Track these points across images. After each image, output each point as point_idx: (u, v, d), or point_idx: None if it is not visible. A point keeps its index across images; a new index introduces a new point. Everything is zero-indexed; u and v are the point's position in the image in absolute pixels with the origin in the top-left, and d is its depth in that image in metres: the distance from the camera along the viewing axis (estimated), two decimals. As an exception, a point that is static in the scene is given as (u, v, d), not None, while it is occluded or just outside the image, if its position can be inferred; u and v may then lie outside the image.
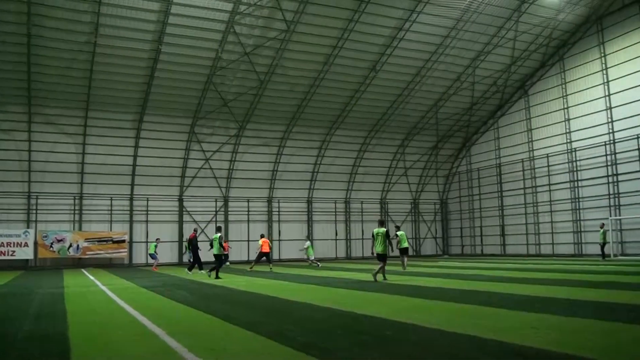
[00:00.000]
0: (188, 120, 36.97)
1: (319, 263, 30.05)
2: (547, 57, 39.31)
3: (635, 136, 33.11)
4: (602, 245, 30.03)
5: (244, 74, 34.90)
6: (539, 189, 39.77)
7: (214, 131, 38.13)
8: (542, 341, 6.51)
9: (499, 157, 43.28)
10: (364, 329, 7.99)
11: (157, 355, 6.30)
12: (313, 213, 42.76)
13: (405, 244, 24.58)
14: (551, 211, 38.72)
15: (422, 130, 43.73)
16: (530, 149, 40.48)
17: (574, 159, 37.08)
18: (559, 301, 10.75)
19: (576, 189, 36.88)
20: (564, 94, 38.08)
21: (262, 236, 27.48)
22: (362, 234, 44.39)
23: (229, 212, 39.85)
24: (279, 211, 41.62)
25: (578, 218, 36.73)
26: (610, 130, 34.69)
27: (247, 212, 40.48)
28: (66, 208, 35.78)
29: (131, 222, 37.08)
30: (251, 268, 26.63)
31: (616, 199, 34.22)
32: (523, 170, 41.01)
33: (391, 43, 34.89)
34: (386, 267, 17.81)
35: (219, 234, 21.53)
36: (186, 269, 25.61)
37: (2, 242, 32.92)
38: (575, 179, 36.93)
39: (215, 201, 39.64)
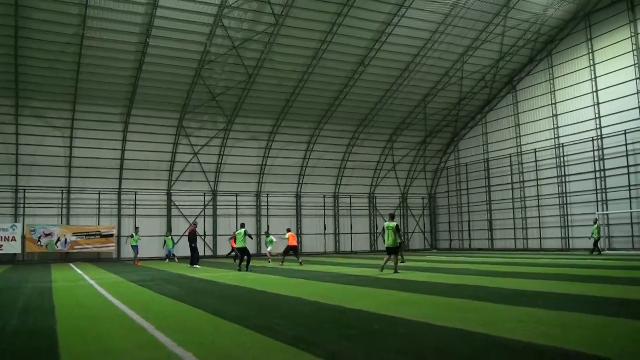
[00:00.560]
0: (176, 114, 36.81)
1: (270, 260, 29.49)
2: (535, 52, 39.50)
3: (623, 132, 33.37)
4: (597, 240, 30.07)
5: (232, 68, 34.79)
6: (526, 184, 40.01)
7: (202, 125, 38.01)
8: (529, 334, 6.56)
9: (486, 152, 43.48)
10: (352, 322, 8.02)
11: (146, 349, 6.29)
12: (302, 207, 42.79)
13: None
14: (539, 206, 38.98)
15: (410, 125, 43.82)
16: (518, 144, 40.70)
17: (561, 154, 37.31)
18: (547, 295, 10.84)
19: (564, 184, 37.14)
20: (552, 90, 38.30)
21: (288, 230, 27.42)
22: (351, 228, 44.49)
23: (218, 206, 39.77)
24: (267, 205, 41.60)
25: (565, 213, 37.00)
26: (598, 126, 34.93)
27: (235, 206, 40.41)
28: (54, 202, 35.54)
29: (119, 216, 36.91)
30: (282, 263, 25.73)
31: (603, 194, 34.50)
32: (511, 165, 41.24)
33: (380, 38, 34.91)
34: (375, 262, 17.84)
35: (242, 229, 22.26)
36: (188, 264, 25.45)
37: (-10, 237, 32.66)
38: (563, 174, 37.18)
39: (204, 195, 39.54)
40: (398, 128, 44.07)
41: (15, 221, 33.99)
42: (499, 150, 42.41)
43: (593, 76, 35.42)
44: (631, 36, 33.27)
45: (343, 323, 8.00)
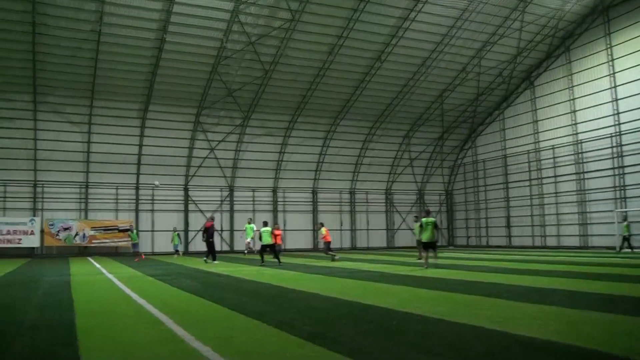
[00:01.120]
0: (193, 110, 37.01)
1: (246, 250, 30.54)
2: (553, 48, 39.13)
3: (642, 128, 33.02)
4: (627, 238, 29.76)
5: (248, 64, 34.90)
6: (544, 181, 39.69)
7: (219, 121, 38.17)
8: (546, 332, 6.54)
9: (504, 148, 43.19)
10: (369, 318, 8.04)
11: (164, 343, 6.36)
12: (318, 203, 42.82)
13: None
14: (557, 203, 38.67)
15: (427, 121, 43.64)
16: (536, 140, 40.38)
17: (579, 151, 36.97)
18: (564, 293, 10.77)
19: (582, 181, 36.80)
20: (570, 86, 37.92)
21: (322, 225, 27.60)
22: (367, 224, 44.45)
23: (234, 202, 39.93)
24: (284, 201, 41.68)
25: (584, 210, 36.68)
26: (617, 122, 34.56)
27: (252, 202, 40.55)
28: (72, 197, 35.97)
29: (137, 211, 37.23)
30: (334, 259, 24.98)
31: (622, 191, 34.14)
32: (529, 162, 40.94)
33: (396, 33, 34.80)
34: (391, 259, 17.85)
35: (267, 228, 22.63)
36: (204, 258, 25.36)
37: (9, 230, 33.23)
38: (581, 170, 36.84)
39: (221, 191, 39.72)
40: (415, 124, 43.91)
41: (34, 215, 34.42)
42: (516, 146, 42.11)
43: (612, 72, 35.02)
44: (652, 31, 32.92)
45: (361, 319, 8.02)
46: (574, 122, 37.45)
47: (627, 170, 33.94)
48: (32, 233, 33.72)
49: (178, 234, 34.49)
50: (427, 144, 45.84)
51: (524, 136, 41.53)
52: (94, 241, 35.22)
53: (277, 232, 23.31)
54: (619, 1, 34.90)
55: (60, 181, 35.51)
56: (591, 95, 36.37)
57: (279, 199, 41.51)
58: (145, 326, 7.66)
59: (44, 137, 34.72)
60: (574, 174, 37.33)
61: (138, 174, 37.26)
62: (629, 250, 29.30)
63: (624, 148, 34.08)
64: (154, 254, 35.32)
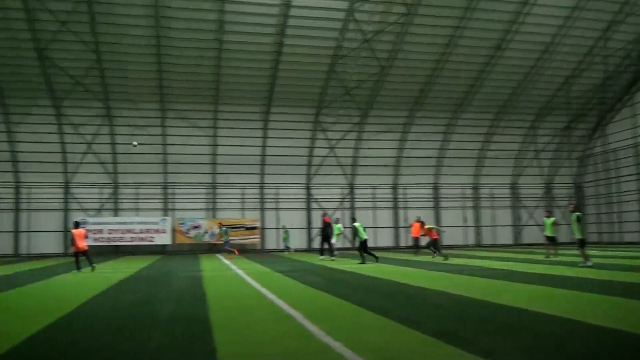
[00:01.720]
0: (312, 110, 37.59)
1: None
2: (692, 23, 35.84)
3: None
4: None
5: (365, 61, 34.91)
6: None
7: (337, 120, 38.45)
8: None
9: (636, 136, 40.08)
10: (498, 317, 7.76)
11: (296, 338, 6.45)
12: (440, 199, 41.99)
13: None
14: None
15: (553, 110, 41.47)
16: (676, 126, 37.20)
17: None
18: None
19: None
20: None
21: (418, 220, 27.27)
22: (493, 220, 42.92)
23: (355, 199, 40.10)
24: (405, 198, 41.27)
25: None
26: None
27: (372, 199, 40.53)
28: (200, 197, 37.86)
29: (262, 209, 38.43)
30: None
31: None
32: (667, 150, 37.80)
33: (516, 19, 33.37)
34: (519, 256, 17.16)
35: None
36: (332, 258, 24.50)
37: (142, 229, 35.65)
38: None
39: (342, 189, 40.04)
40: (539, 114, 41.87)
41: (166, 215, 36.66)
42: (652, 133, 39.03)
43: None
44: None
45: (490, 318, 7.75)
46: None
47: None
48: (163, 231, 35.90)
49: (287, 231, 35.20)
50: (553, 135, 43.52)
51: (661, 122, 38.41)
52: (221, 239, 36.68)
53: (425, 227, 22.91)
54: None
55: (189, 183, 37.51)
56: None
57: (399, 196, 41.17)
58: (276, 321, 7.81)
59: (172, 142, 36.79)
60: None
61: (262, 174, 38.45)
62: None
63: None
64: (278, 250, 36.20)
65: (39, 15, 30.14)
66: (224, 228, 31.20)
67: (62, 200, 36.24)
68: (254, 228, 37.42)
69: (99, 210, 36.75)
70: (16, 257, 34.05)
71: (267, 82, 35.35)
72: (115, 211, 36.83)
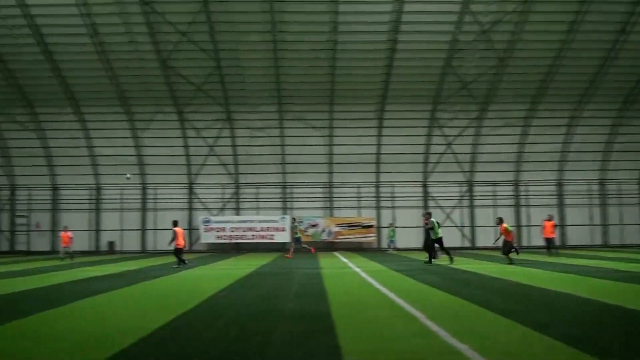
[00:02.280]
0: (428, 107, 36.96)
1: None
2: None
3: None
4: None
5: (482, 54, 33.91)
6: None
7: (454, 115, 37.54)
8: None
9: None
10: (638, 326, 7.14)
11: (420, 337, 6.28)
12: (564, 197, 39.79)
13: None
14: None
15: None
16: None
17: None
18: None
19: None
20: None
21: (549, 218, 26.04)
22: (620, 219, 40.03)
23: (474, 197, 38.96)
24: (526, 195, 39.52)
25: None
26: None
27: (492, 197, 39.13)
28: (317, 196, 38.46)
29: (378, 208, 38.37)
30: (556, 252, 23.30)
31: None
32: None
33: (646, 0, 31.08)
34: (621, 255, 15.89)
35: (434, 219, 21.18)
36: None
37: (262, 227, 36.78)
38: None
39: (460, 186, 39.06)
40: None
41: (284, 214, 37.57)
42: None
43: None
44: None
45: (629, 325, 7.15)
46: None
47: None
48: (282, 229, 36.82)
49: (394, 230, 34.84)
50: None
51: None
52: (339, 237, 37.14)
53: (503, 226, 20.85)
54: None
55: (306, 182, 38.19)
56: None
57: (520, 193, 39.44)
58: (399, 319, 7.68)
59: (289, 142, 37.63)
60: None
61: (377, 172, 38.36)
62: None
63: None
64: (397, 249, 35.87)
65: (160, 27, 32.03)
66: (295, 223, 31.42)
67: (186, 200, 38.19)
68: (370, 227, 37.46)
69: (221, 209, 38.38)
70: (143, 253, 36.26)
71: (382, 80, 35.24)
72: (237, 210, 38.32)
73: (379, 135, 37.68)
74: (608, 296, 9.90)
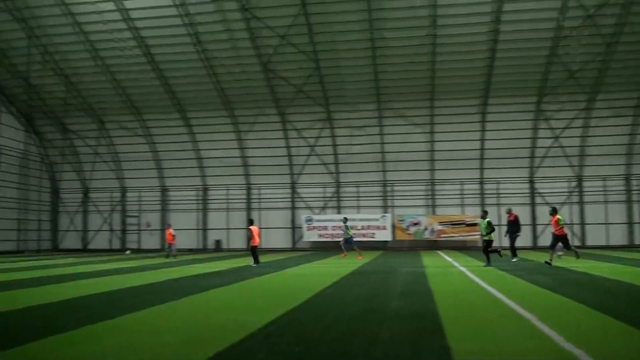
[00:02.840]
0: (532, 98, 35.73)
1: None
2: None
3: None
4: None
5: (589, 40, 32.22)
6: None
7: (561, 107, 35.98)
8: None
9: None
10: None
11: (531, 340, 6.11)
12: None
13: None
14: None
15: None
16: None
17: None
18: None
19: None
20: None
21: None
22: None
23: (584, 193, 37.14)
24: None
25: None
26: None
27: (604, 192, 37.09)
28: (419, 194, 38.14)
29: (482, 205, 37.33)
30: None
31: None
32: None
33: None
34: None
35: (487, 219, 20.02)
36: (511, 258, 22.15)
37: (363, 226, 36.92)
38: None
39: (568, 181, 37.38)
40: None
41: (385, 212, 37.67)
42: None
43: None
44: None
45: None
46: None
47: None
48: (384, 228, 36.91)
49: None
50: None
51: None
52: (442, 235, 36.63)
53: (556, 217, 19.00)
54: None
55: (407, 180, 37.97)
56: None
57: (633, 188, 36.94)
58: (507, 320, 7.51)
59: (390, 140, 37.56)
60: None
61: (481, 168, 37.47)
62: None
63: None
64: (503, 248, 34.76)
65: (260, 32, 32.84)
66: (346, 224, 27.84)
67: (289, 199, 38.98)
68: (474, 225, 36.45)
69: (323, 208, 38.85)
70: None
71: (484, 73, 34.43)
72: (338, 209, 38.63)
73: (482, 130, 36.80)
74: None
